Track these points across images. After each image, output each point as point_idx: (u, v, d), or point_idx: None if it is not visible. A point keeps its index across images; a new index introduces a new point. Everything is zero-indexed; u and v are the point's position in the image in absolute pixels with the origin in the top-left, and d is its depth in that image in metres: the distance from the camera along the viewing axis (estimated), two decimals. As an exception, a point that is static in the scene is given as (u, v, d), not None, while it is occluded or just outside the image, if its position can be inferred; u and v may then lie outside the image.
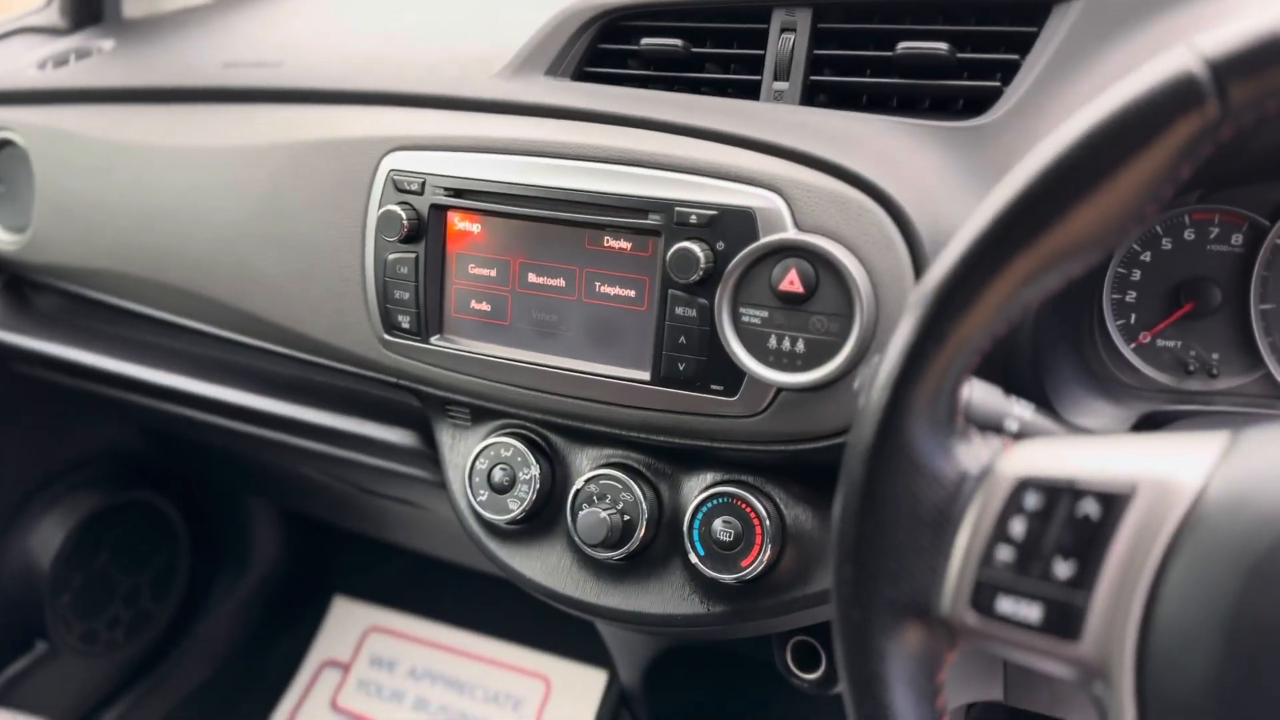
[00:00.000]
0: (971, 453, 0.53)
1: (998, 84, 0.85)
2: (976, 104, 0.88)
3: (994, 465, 0.53)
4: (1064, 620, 0.50)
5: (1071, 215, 0.49)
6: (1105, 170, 0.47)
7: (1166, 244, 0.85)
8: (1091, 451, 0.51)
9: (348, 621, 2.24)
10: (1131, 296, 0.86)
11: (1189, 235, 0.84)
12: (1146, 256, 0.86)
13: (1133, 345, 0.86)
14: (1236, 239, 0.83)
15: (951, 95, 0.88)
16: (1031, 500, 0.51)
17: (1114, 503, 0.49)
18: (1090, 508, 0.50)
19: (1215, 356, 0.84)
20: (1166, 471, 0.49)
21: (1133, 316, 0.86)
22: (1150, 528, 0.48)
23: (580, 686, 2.01)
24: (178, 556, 1.97)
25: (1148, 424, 0.81)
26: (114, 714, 1.86)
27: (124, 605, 1.87)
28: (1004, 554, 0.51)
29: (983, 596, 0.51)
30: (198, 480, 2.00)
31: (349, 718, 2.11)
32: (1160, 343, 0.85)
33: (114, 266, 1.26)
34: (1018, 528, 0.51)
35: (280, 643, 2.20)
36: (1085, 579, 0.49)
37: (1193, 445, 0.50)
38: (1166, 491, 0.49)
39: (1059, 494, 0.50)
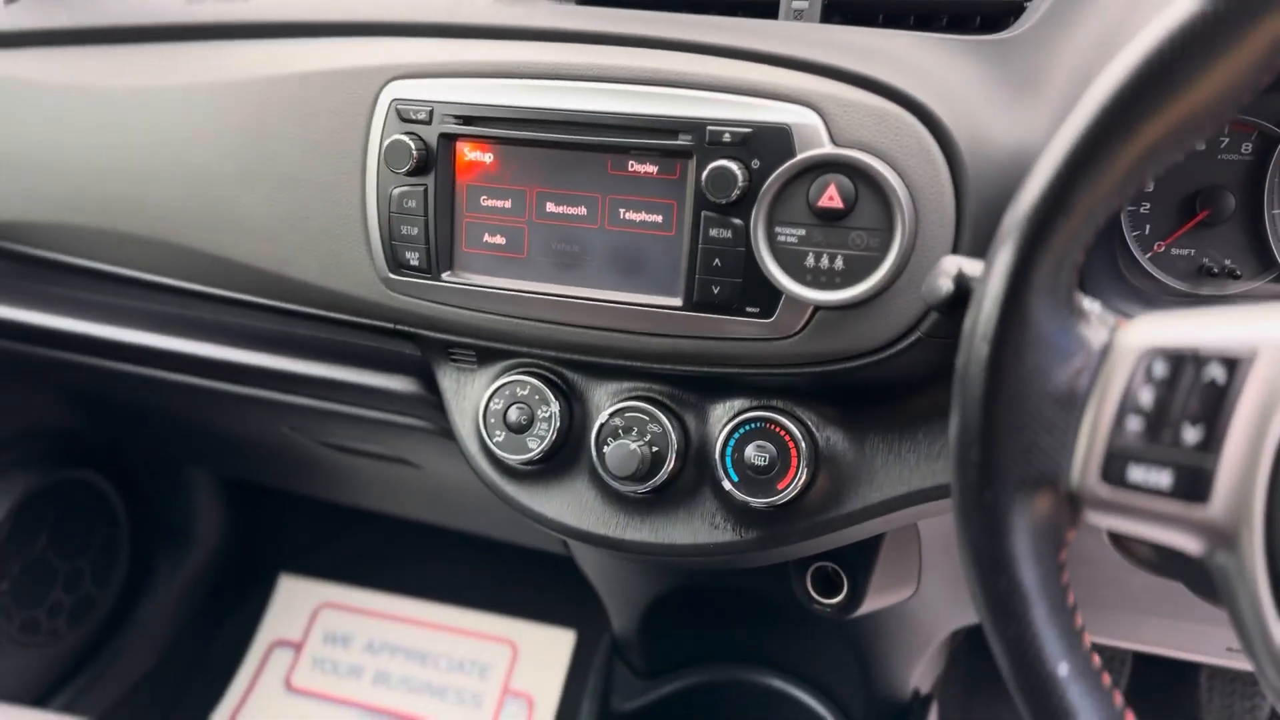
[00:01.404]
0: (1091, 329, 0.54)
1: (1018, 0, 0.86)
2: (992, 21, 0.90)
3: (1115, 340, 0.54)
4: (1194, 484, 0.51)
5: (1200, 81, 0.49)
6: (1236, 33, 0.48)
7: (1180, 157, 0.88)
8: (1210, 320, 0.53)
9: (296, 600, 2.18)
10: (1146, 208, 0.89)
11: (1200, 145, 0.87)
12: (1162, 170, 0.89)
13: (1149, 255, 0.89)
14: (1246, 147, 0.86)
15: (970, 12, 0.89)
16: (1158, 369, 0.52)
17: (1237, 367, 0.50)
18: (1216, 372, 0.51)
19: (1228, 262, 0.87)
20: (1285, 335, 0.51)
21: (1147, 227, 0.89)
22: (1274, 389, 0.50)
23: (548, 649, 1.99)
24: (118, 537, 1.88)
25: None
26: (58, 705, 1.76)
27: (65, 591, 1.77)
28: (1134, 424, 0.52)
29: (1114, 467, 0.52)
30: (135, 454, 1.90)
31: (305, 697, 2.04)
32: (1175, 251, 0.88)
33: (66, 219, 1.17)
34: (1146, 397, 0.52)
35: (227, 624, 2.12)
36: (1213, 442, 0.50)
37: (1307, 309, 0.51)
38: (1288, 354, 0.50)
39: (1184, 361, 0.51)
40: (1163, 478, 0.51)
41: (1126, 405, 0.52)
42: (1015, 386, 0.53)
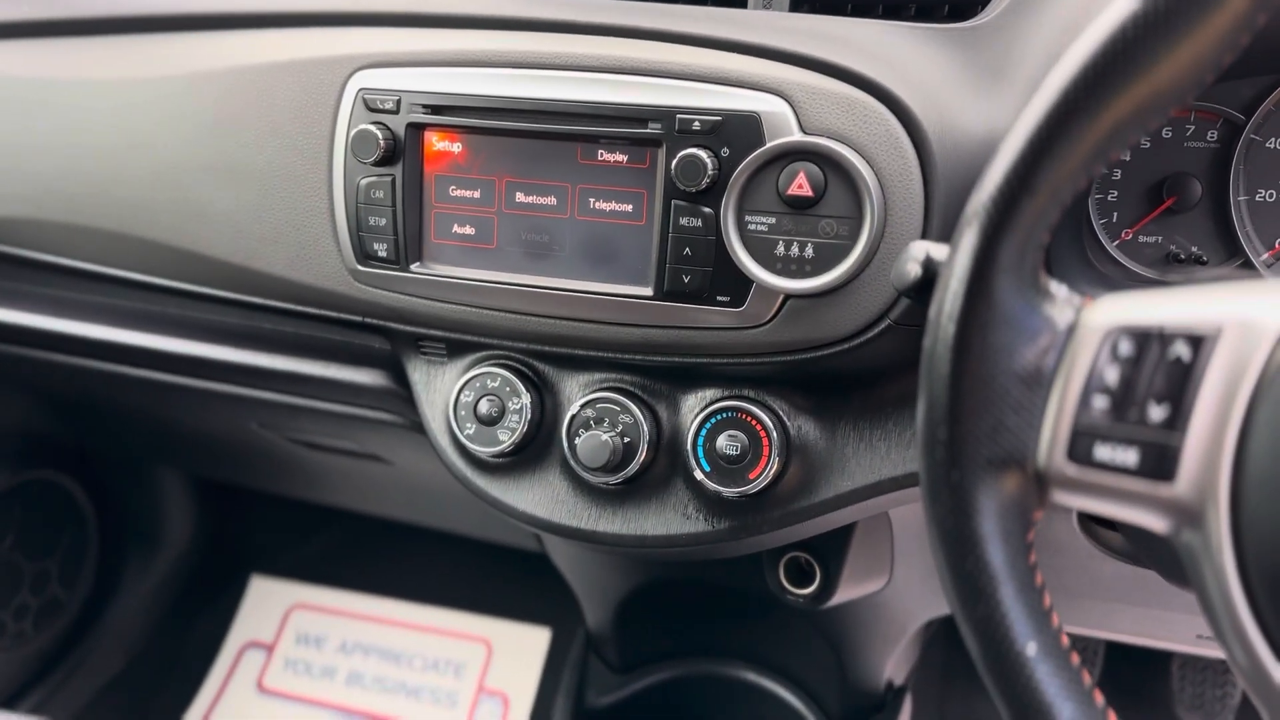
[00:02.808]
0: (1056, 308, 0.54)
1: (987, -13, 0.86)
2: (959, 10, 0.90)
3: (1080, 318, 0.54)
4: (1160, 462, 0.51)
5: (1163, 59, 0.49)
6: (1200, 10, 0.48)
7: (1145, 143, 0.88)
8: (1175, 299, 0.53)
9: (267, 600, 2.15)
10: (1113, 195, 0.90)
11: (1166, 133, 0.88)
12: (1126, 155, 0.89)
13: (1116, 243, 0.89)
14: (1211, 135, 0.87)
15: (938, 1, 0.89)
16: (1124, 347, 0.52)
17: (1202, 344, 0.51)
18: (1181, 350, 0.51)
19: (1195, 249, 0.88)
20: (1250, 312, 0.51)
21: (1115, 215, 0.90)
22: (1238, 366, 0.50)
23: (523, 647, 1.98)
24: (86, 538, 1.85)
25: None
26: (26, 708, 1.73)
27: (32, 593, 1.75)
28: (1100, 402, 0.52)
29: (1080, 445, 0.52)
30: (102, 454, 1.87)
31: (278, 699, 2.02)
32: (1142, 238, 0.89)
33: (28, 213, 1.15)
34: (1111, 375, 0.52)
35: (198, 625, 2.09)
36: (1179, 420, 0.51)
37: (1270, 289, 0.52)
38: (1251, 330, 0.50)
39: (1149, 339, 0.52)
40: (1129, 456, 0.51)
41: (1092, 384, 0.52)
42: (981, 366, 0.53)
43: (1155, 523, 0.53)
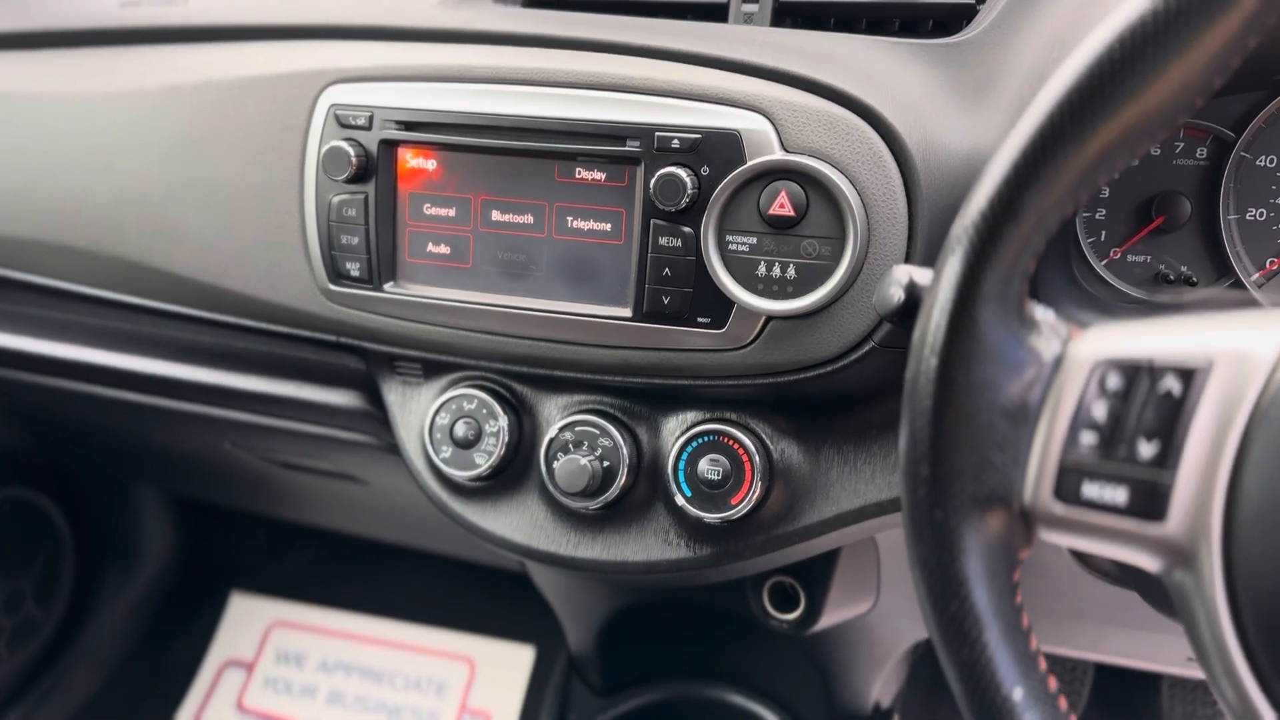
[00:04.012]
0: (1043, 339, 0.52)
1: (971, 1, 0.85)
2: (944, 25, 0.88)
3: (1067, 350, 0.52)
4: (1150, 501, 0.49)
5: (1152, 82, 0.48)
6: (1189, 33, 0.46)
7: (1133, 160, 0.87)
8: (1164, 330, 0.51)
9: (247, 618, 2.12)
10: (1101, 214, 0.88)
11: (1155, 151, 0.86)
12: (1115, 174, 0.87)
13: (1104, 262, 0.88)
14: (1201, 152, 0.85)
15: (923, 15, 0.87)
16: (1112, 381, 0.50)
17: (1193, 378, 0.49)
18: (1171, 384, 0.49)
19: (1184, 268, 0.86)
20: (1241, 344, 0.49)
21: (1102, 233, 0.88)
22: (1230, 400, 0.48)
23: (506, 665, 1.95)
24: (62, 557, 1.81)
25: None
26: (-1, 732, 1.70)
27: (5, 613, 1.71)
28: (1087, 438, 0.50)
29: (1067, 483, 0.50)
30: (78, 472, 1.84)
31: (258, 718, 1.99)
32: (1131, 258, 0.87)
33: (-5, 230, 1.13)
34: (1100, 410, 0.50)
35: (176, 644, 2.06)
36: (1169, 457, 0.49)
37: (1263, 319, 0.50)
38: (1244, 363, 0.48)
39: (1139, 372, 0.50)
40: (1118, 494, 0.49)
41: (1080, 419, 0.50)
42: (965, 400, 0.51)
43: (1146, 562, 0.51)
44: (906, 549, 0.53)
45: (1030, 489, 0.51)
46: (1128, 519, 0.49)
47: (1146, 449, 0.49)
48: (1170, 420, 0.49)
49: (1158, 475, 0.49)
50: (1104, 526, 0.50)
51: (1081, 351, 0.51)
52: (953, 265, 0.51)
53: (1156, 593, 0.82)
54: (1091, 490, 0.50)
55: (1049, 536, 0.52)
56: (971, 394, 0.51)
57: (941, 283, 0.51)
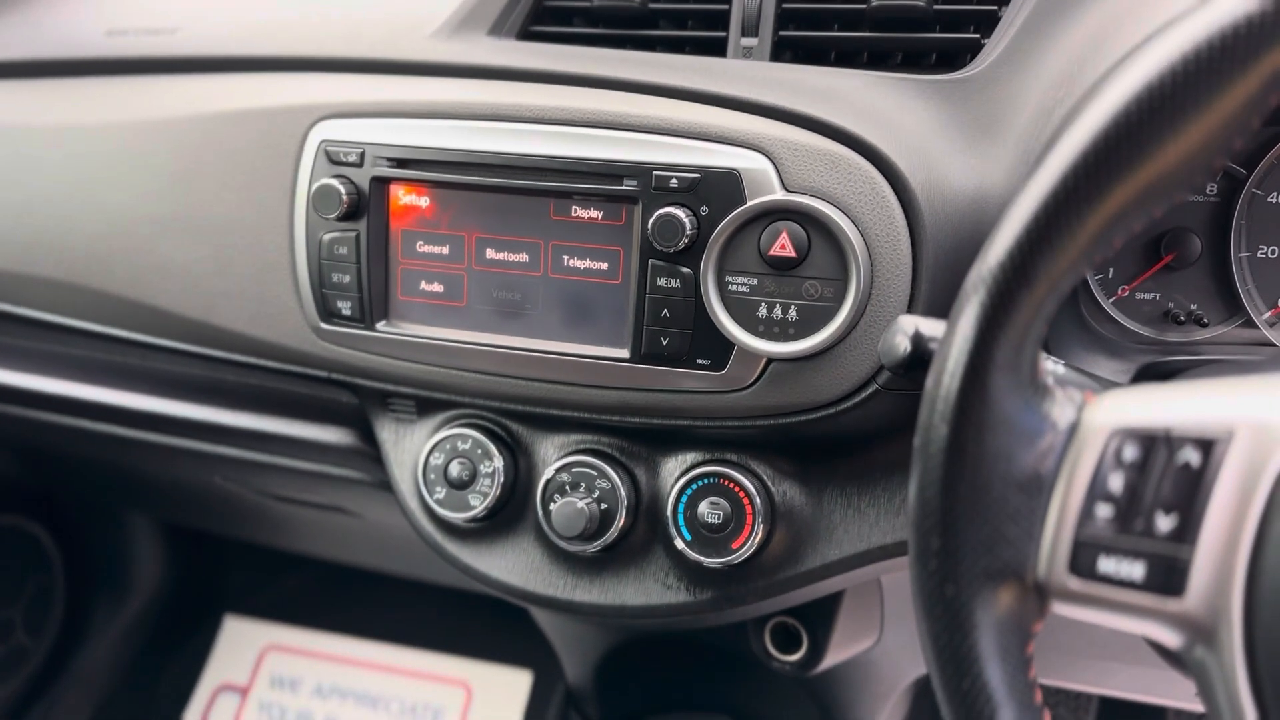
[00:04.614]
0: (1056, 407, 0.50)
1: (976, 36, 0.83)
2: (948, 59, 0.86)
3: (1082, 418, 0.50)
4: (1168, 576, 0.47)
5: (1170, 143, 0.46)
6: (1208, 93, 0.45)
7: (1150, 221, 0.85)
8: (1182, 397, 0.49)
9: (241, 642, 2.09)
10: (1108, 251, 0.86)
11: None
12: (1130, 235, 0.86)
13: (1113, 300, 0.86)
14: (1212, 189, 0.83)
15: (926, 50, 0.85)
16: (1129, 451, 0.48)
17: (1213, 449, 0.47)
18: (1190, 455, 0.47)
19: (1194, 307, 0.84)
20: (1262, 413, 0.47)
21: (1111, 271, 0.86)
22: (1252, 472, 0.46)
23: (503, 690, 1.93)
24: (53, 584, 1.79)
25: (1146, 375, 0.80)
26: (-11, 763, 1.68)
27: (-5, 642, 1.69)
28: (1103, 511, 0.48)
29: (1083, 558, 0.48)
30: (69, 499, 1.82)
31: (252, 744, 1.97)
32: (1139, 295, 0.85)
33: (-21, 262, 1.11)
34: (1116, 482, 0.48)
35: (169, 670, 2.03)
36: (1188, 531, 0.47)
37: (1285, 385, 0.48)
38: (1266, 433, 0.47)
39: (1156, 443, 0.48)
40: (1135, 569, 0.48)
41: (1095, 491, 0.48)
42: (977, 472, 0.49)
43: (1166, 637, 0.49)
44: (917, 625, 0.51)
45: (1045, 563, 0.49)
46: (1145, 594, 0.48)
47: (1164, 522, 0.47)
48: (1189, 493, 0.47)
49: (1176, 550, 0.47)
50: (1121, 601, 0.48)
51: (1097, 420, 0.49)
52: (963, 330, 0.49)
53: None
54: (1108, 565, 0.48)
55: (1063, 610, 0.50)
56: (984, 465, 0.49)
57: (952, 349, 0.49)
